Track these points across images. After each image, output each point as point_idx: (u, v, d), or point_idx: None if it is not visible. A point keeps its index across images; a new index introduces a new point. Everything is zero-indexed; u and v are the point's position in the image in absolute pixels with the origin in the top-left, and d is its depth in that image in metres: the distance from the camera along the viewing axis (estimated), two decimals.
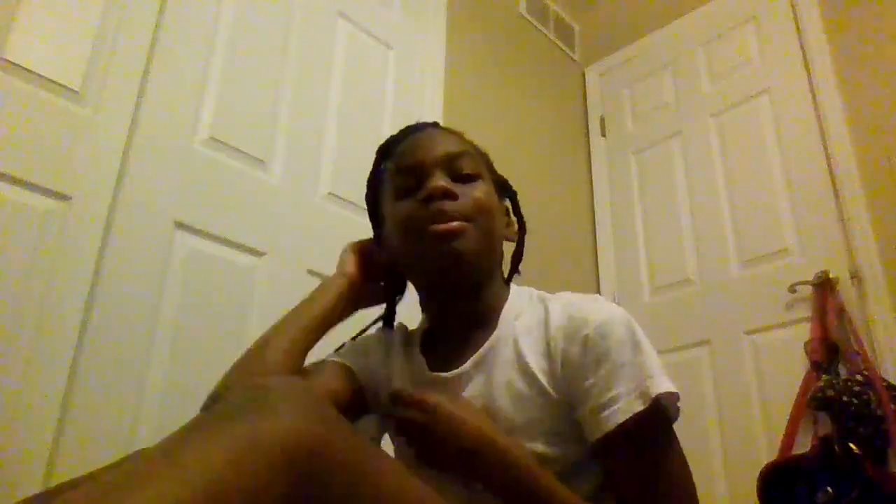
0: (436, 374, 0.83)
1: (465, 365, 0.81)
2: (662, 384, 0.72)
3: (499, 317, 0.84)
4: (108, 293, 1.26)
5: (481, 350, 0.82)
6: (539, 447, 0.75)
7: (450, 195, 0.80)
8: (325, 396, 0.79)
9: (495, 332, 0.83)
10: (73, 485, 0.64)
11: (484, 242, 0.82)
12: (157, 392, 1.27)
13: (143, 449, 0.55)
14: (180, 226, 1.41)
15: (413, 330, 0.95)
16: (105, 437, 1.19)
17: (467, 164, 0.85)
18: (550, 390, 0.76)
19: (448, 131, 0.92)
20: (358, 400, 0.87)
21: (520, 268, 0.97)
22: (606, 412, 0.71)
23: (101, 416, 1.20)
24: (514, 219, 0.94)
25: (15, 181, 1.20)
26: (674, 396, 0.73)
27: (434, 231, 0.79)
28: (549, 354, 0.77)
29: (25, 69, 1.26)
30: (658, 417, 0.73)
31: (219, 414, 0.53)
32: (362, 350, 0.93)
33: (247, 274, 1.50)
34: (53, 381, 1.15)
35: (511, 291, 0.88)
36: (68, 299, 1.21)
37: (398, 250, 0.87)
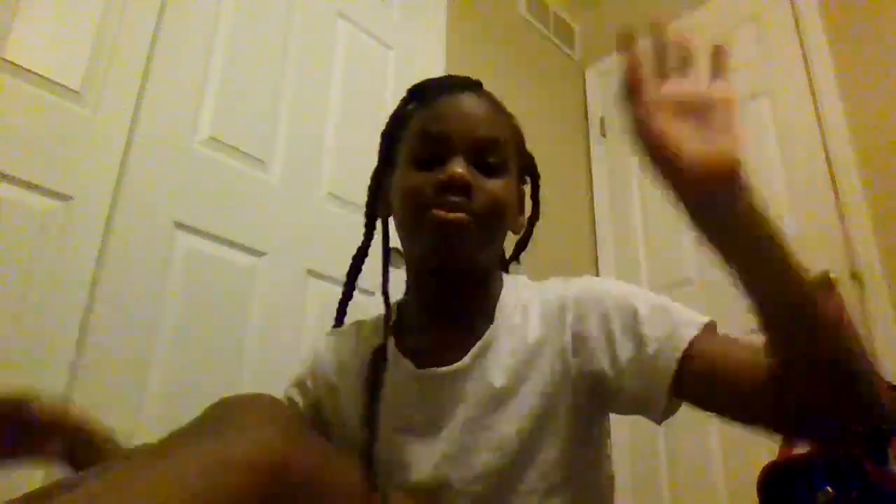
0: (429, 370, 0.79)
1: (464, 358, 0.77)
2: (700, 319, 0.71)
3: (495, 306, 0.81)
4: (108, 293, 1.26)
5: (480, 342, 0.78)
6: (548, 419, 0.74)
7: (468, 190, 0.76)
8: (294, 411, 0.79)
9: (494, 324, 0.79)
10: (46, 493, 0.63)
11: (487, 240, 0.79)
12: (157, 392, 1.27)
13: (120, 462, 0.55)
14: (180, 226, 1.41)
15: (376, 318, 0.89)
16: None
17: (496, 154, 0.80)
18: (567, 368, 0.75)
19: (488, 105, 0.86)
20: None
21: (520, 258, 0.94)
22: (667, 352, 0.69)
23: (102, 416, 1.19)
24: (523, 216, 0.89)
25: (15, 181, 1.20)
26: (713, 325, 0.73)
27: (436, 216, 0.75)
28: (561, 336, 0.76)
29: (25, 69, 1.26)
30: (714, 334, 0.72)
31: (189, 432, 0.53)
32: (331, 361, 0.87)
33: (247, 274, 1.50)
34: (53, 380, 1.15)
35: (506, 281, 0.85)
36: (68, 299, 1.21)
37: (398, 217, 0.83)
